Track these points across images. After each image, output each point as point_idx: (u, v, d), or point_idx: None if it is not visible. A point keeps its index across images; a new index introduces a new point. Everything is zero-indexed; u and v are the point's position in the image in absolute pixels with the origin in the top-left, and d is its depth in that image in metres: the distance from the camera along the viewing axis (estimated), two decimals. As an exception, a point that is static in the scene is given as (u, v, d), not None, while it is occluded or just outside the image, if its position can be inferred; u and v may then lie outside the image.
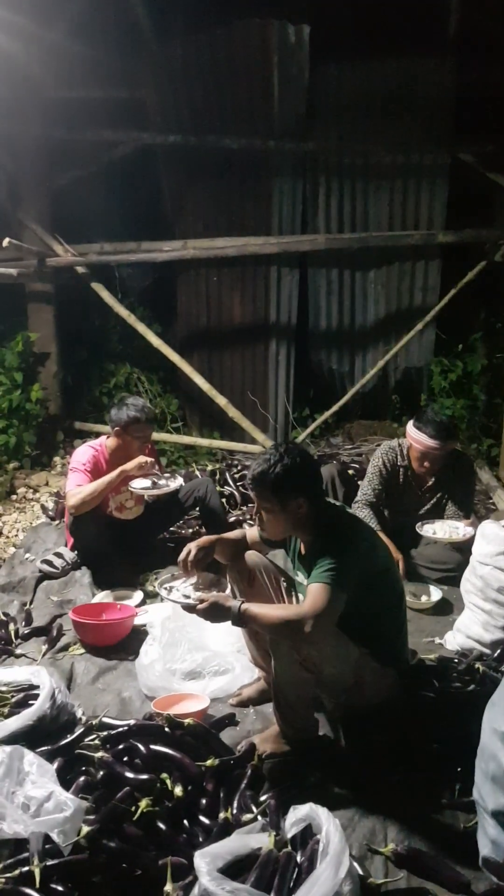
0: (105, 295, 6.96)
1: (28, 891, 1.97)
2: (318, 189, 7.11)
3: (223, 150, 6.86)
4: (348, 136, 6.91)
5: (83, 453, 4.30)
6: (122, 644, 3.57)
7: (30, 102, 6.56)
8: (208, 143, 6.84)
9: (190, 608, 2.63)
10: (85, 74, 6.63)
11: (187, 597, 2.76)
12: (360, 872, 2.09)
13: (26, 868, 2.03)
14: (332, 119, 6.89)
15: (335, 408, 7.11)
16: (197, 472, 5.90)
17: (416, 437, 4.10)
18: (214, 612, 2.55)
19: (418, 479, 4.30)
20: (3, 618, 3.83)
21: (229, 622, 2.55)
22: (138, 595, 4.07)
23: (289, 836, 2.12)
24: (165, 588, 2.91)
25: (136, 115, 6.98)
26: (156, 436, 6.58)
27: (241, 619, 2.52)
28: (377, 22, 6.41)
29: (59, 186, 7.08)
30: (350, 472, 5.22)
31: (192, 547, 2.88)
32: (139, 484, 4.18)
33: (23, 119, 6.60)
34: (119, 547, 4.34)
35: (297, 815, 2.15)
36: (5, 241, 5.79)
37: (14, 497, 5.79)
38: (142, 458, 4.20)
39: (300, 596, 2.86)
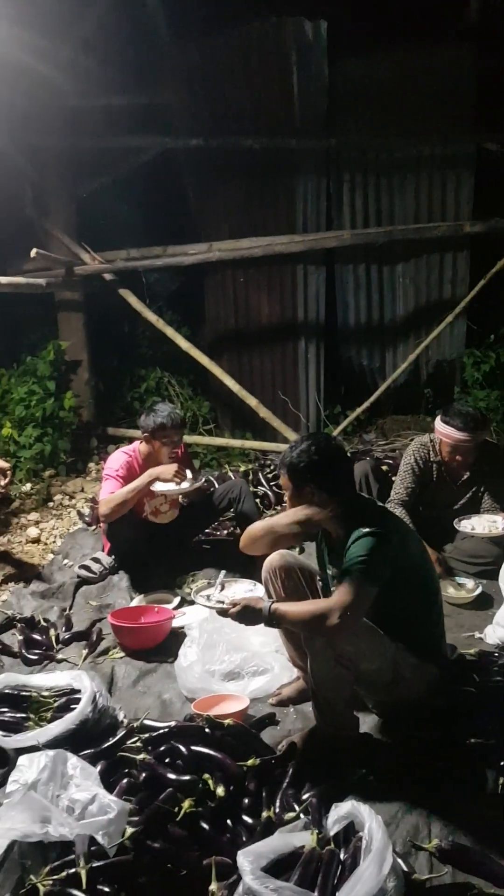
0: (133, 301, 7.00)
1: (75, 892, 2.00)
2: (341, 185, 7.09)
3: (245, 151, 6.86)
4: (370, 130, 6.86)
5: (116, 460, 4.35)
6: (160, 647, 3.60)
7: (52, 113, 6.62)
8: (230, 145, 6.85)
9: (223, 612, 2.65)
10: (106, 82, 6.68)
11: (221, 602, 2.79)
12: (405, 869, 2.08)
13: (73, 870, 2.06)
14: (354, 114, 6.86)
15: (367, 404, 7.07)
16: (230, 474, 5.91)
17: (444, 431, 4.07)
18: (247, 615, 2.58)
19: (452, 474, 4.27)
20: (44, 623, 3.89)
21: (262, 624, 2.57)
22: (176, 598, 4.09)
23: (331, 833, 2.12)
24: (201, 595, 2.95)
25: (157, 120, 7.02)
26: (188, 438, 6.63)
27: (272, 618, 2.54)
28: (395, 13, 6.37)
29: (84, 195, 7.14)
30: (384, 468, 5.18)
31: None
32: (162, 486, 4.19)
33: (46, 130, 6.67)
34: (155, 550, 4.38)
35: (339, 813, 2.15)
36: (33, 252, 5.86)
37: (51, 504, 5.86)
38: (174, 466, 4.21)
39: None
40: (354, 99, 6.80)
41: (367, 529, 2.59)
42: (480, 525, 4.05)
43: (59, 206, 6.99)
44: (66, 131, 6.81)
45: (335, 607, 2.43)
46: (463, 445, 4.05)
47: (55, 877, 2.05)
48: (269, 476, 5.75)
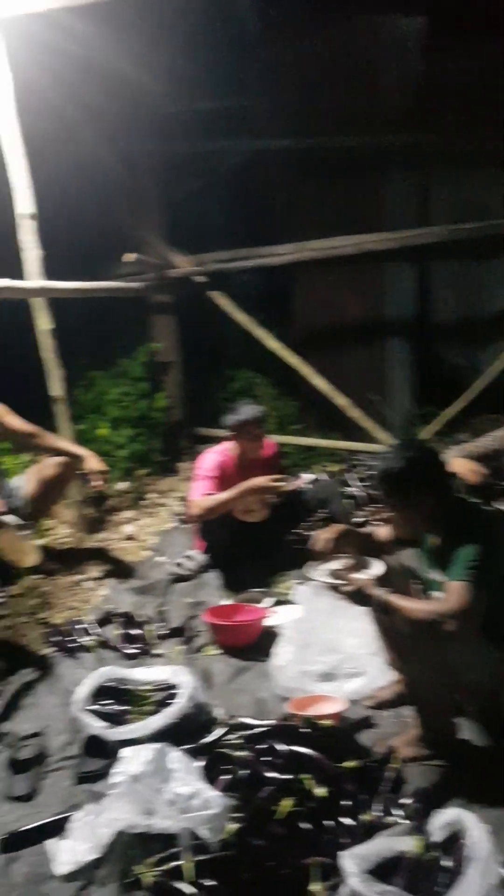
0: (223, 302, 7.06)
1: (181, 886, 2.03)
2: (433, 179, 6.97)
3: (334, 149, 6.82)
4: (463, 123, 6.71)
5: (208, 460, 4.41)
6: (254, 645, 3.61)
7: (145, 119, 6.73)
8: (319, 144, 6.82)
9: (334, 588, 2.69)
10: (198, 86, 6.76)
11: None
12: (512, 879, 2.03)
13: (175, 863, 2.09)
14: (446, 107, 6.71)
15: (460, 403, 6.92)
16: (321, 474, 5.87)
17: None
18: (356, 596, 2.63)
19: None
20: (140, 619, 3.96)
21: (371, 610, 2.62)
22: (267, 597, 4.10)
23: (435, 840, 2.09)
24: (314, 570, 2.94)
25: (246, 122, 7.07)
26: (276, 438, 6.63)
27: (382, 607, 2.55)
28: (486, 5, 6.21)
29: (175, 198, 7.25)
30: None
31: (321, 535, 2.97)
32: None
33: (139, 136, 6.79)
34: (247, 549, 4.41)
35: (443, 820, 2.12)
36: (131, 256, 5.98)
37: (144, 502, 5.98)
38: (269, 477, 4.24)
39: (433, 595, 2.81)
40: (448, 91, 6.66)
41: (473, 531, 2.55)
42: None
43: (151, 211, 7.10)
44: (159, 137, 6.91)
45: (452, 612, 2.40)
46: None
47: (160, 868, 2.08)
48: (359, 476, 5.70)
